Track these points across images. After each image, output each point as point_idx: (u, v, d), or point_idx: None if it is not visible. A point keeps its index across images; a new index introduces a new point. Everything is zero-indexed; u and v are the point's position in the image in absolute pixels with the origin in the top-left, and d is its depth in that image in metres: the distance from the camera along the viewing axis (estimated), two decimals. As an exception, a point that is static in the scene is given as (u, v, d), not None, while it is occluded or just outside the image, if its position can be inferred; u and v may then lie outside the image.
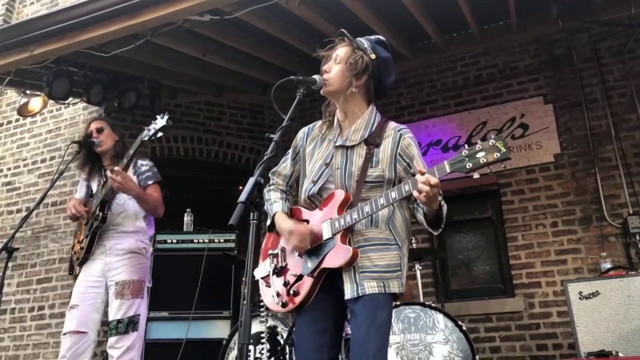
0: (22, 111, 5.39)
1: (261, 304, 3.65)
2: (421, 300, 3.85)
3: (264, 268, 2.23)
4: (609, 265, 4.30)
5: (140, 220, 3.35)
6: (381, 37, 2.28)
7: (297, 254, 2.12)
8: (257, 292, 2.64)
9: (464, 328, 3.51)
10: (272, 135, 1.96)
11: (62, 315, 3.66)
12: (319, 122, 2.32)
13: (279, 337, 3.70)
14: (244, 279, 2.91)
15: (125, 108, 5.19)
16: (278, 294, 2.11)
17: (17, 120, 6.19)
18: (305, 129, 2.36)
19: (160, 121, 3.06)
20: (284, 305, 2.08)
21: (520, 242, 4.88)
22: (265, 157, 1.87)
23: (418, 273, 4.06)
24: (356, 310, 1.97)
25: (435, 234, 2.08)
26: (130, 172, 3.30)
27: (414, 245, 4.22)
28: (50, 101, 5.18)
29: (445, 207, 2.00)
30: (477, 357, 3.44)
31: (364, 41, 2.21)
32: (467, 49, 5.50)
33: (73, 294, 3.22)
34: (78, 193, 3.53)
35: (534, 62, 5.25)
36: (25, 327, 5.33)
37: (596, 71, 4.97)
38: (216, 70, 5.31)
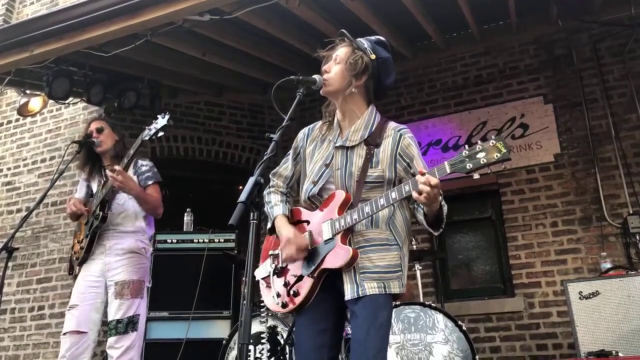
0: (22, 111, 5.39)
1: (262, 304, 3.65)
2: (421, 300, 3.85)
3: (264, 269, 2.23)
4: (609, 265, 4.31)
5: (140, 220, 3.35)
6: (381, 38, 2.28)
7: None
8: (257, 292, 2.64)
9: (464, 328, 3.51)
10: (272, 135, 1.96)
11: (62, 315, 3.66)
12: (319, 123, 2.32)
13: (279, 337, 3.70)
14: (244, 278, 2.90)
15: (125, 108, 5.19)
16: (278, 295, 2.11)
17: (17, 120, 6.19)
18: (305, 130, 2.36)
19: (161, 121, 3.06)
20: (284, 305, 2.08)
21: (520, 242, 4.88)
22: (265, 157, 1.87)
23: (418, 273, 4.06)
24: (356, 311, 1.97)
25: (436, 234, 2.08)
26: (130, 171, 3.30)
27: (414, 246, 4.22)
28: (50, 101, 5.18)
29: (445, 208, 1.99)
30: (477, 357, 3.44)
31: (364, 41, 2.21)
32: (467, 49, 5.50)
33: (73, 294, 3.22)
34: (78, 193, 3.53)
35: (534, 62, 5.25)
36: (25, 327, 5.33)
37: (596, 71, 4.97)
38: (216, 70, 5.31)
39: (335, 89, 2.16)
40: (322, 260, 2.03)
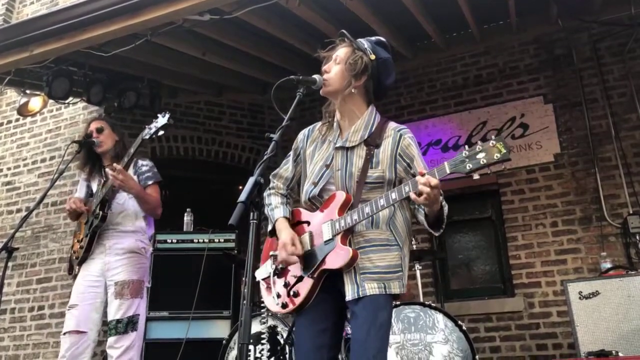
0: (22, 111, 5.39)
1: (262, 304, 3.65)
2: (421, 300, 3.85)
3: (265, 269, 2.23)
4: (609, 265, 4.31)
5: (140, 220, 3.35)
6: (381, 38, 2.28)
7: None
8: (257, 292, 2.64)
9: (463, 328, 3.51)
10: (272, 135, 1.96)
11: (62, 315, 3.66)
12: (319, 124, 2.32)
13: (279, 337, 3.70)
14: (244, 278, 2.91)
15: (125, 108, 5.19)
16: (279, 295, 2.11)
17: (17, 120, 6.19)
18: (305, 131, 2.36)
19: (162, 120, 3.06)
20: (284, 306, 2.08)
21: (520, 242, 4.88)
22: (265, 157, 1.87)
23: (418, 273, 4.06)
24: (356, 311, 1.97)
25: (437, 234, 2.08)
26: (130, 171, 3.30)
27: (414, 246, 4.22)
28: (50, 101, 5.18)
29: (446, 208, 1.99)
30: (477, 356, 3.44)
31: (364, 42, 2.21)
32: (467, 49, 5.50)
33: (72, 294, 3.23)
34: (78, 192, 3.53)
35: (534, 62, 5.25)
36: (25, 327, 5.33)
37: (596, 71, 4.97)
38: (216, 69, 5.31)
39: (335, 89, 2.16)
40: (322, 260, 2.03)
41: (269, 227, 2.25)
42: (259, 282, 2.24)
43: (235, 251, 4.48)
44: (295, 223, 2.21)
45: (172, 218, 4.54)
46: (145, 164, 3.43)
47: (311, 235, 2.11)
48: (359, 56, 2.14)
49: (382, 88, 2.20)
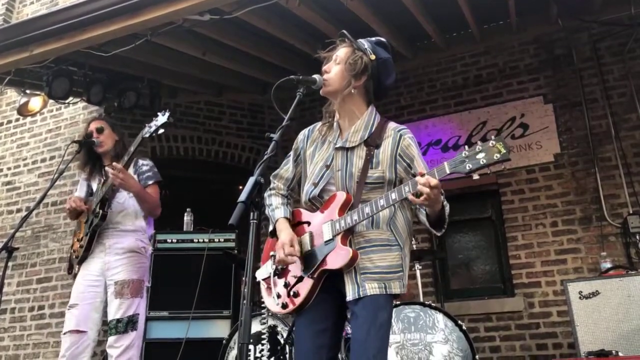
0: (22, 111, 5.39)
1: (262, 304, 3.65)
2: (421, 299, 3.85)
3: (265, 270, 2.23)
4: (609, 265, 4.31)
5: (140, 219, 3.35)
6: (382, 39, 2.28)
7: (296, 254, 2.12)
8: (257, 291, 2.64)
9: (463, 327, 3.51)
10: (272, 135, 1.96)
11: (62, 314, 3.66)
12: (319, 124, 2.32)
13: (279, 337, 3.70)
14: (244, 278, 2.90)
15: (125, 108, 5.19)
16: (279, 295, 2.11)
17: (17, 119, 6.19)
18: (305, 131, 2.36)
19: (162, 118, 3.06)
20: (284, 306, 2.08)
21: (520, 241, 4.89)
22: (265, 157, 1.87)
23: (418, 273, 4.06)
24: (357, 311, 1.97)
25: (439, 234, 2.08)
26: (130, 170, 3.30)
27: (414, 246, 4.22)
28: (50, 101, 5.18)
29: (447, 207, 1.99)
30: (477, 356, 3.44)
31: (364, 42, 2.21)
32: (467, 49, 5.50)
33: (72, 293, 3.23)
34: (78, 192, 3.53)
35: (534, 62, 5.25)
36: (25, 327, 5.33)
37: (596, 71, 4.97)
38: (216, 69, 5.31)
39: (335, 89, 2.16)
40: (323, 261, 2.03)
41: (270, 228, 2.25)
42: (259, 282, 2.24)
43: (236, 251, 4.48)
44: (296, 223, 2.21)
45: (172, 218, 4.54)
46: (145, 164, 3.43)
47: (311, 235, 2.11)
48: (359, 56, 2.14)
49: (382, 88, 2.20)
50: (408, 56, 5.43)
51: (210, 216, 4.61)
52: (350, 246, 2.01)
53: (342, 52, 2.19)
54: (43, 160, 5.92)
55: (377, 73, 2.16)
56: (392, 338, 3.46)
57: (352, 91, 2.14)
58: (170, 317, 4.34)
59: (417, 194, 1.84)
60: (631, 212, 4.54)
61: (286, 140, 2.51)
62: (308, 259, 2.08)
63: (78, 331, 3.10)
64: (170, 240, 4.53)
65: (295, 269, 2.11)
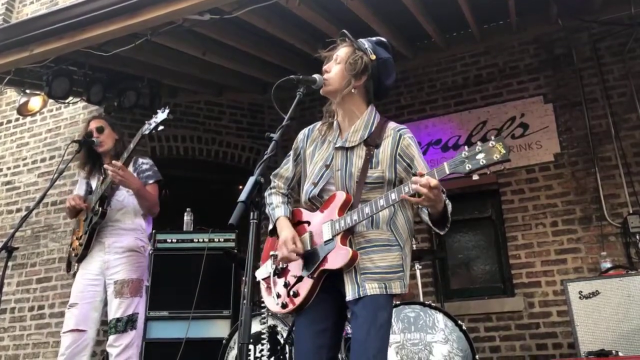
0: (22, 110, 5.39)
1: (262, 303, 3.65)
2: (421, 299, 3.85)
3: (265, 269, 2.23)
4: (609, 265, 4.31)
5: (140, 218, 3.35)
6: (382, 38, 2.28)
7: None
8: (257, 291, 2.64)
9: (463, 327, 3.51)
10: (272, 135, 1.96)
11: (62, 314, 3.66)
12: (319, 123, 2.32)
13: (279, 337, 3.70)
14: (244, 278, 2.90)
15: (125, 107, 5.19)
16: (279, 295, 2.11)
17: (17, 119, 6.19)
18: (305, 131, 2.36)
19: (161, 115, 3.07)
20: (284, 306, 2.08)
21: (520, 241, 4.88)
22: (265, 157, 1.87)
23: (418, 272, 4.06)
24: (357, 311, 1.97)
25: (442, 233, 2.07)
26: (130, 168, 3.29)
27: (414, 246, 4.22)
28: (50, 100, 5.18)
29: (450, 206, 1.99)
30: (477, 356, 3.44)
31: (365, 42, 2.21)
32: (467, 49, 5.50)
33: (72, 293, 3.23)
34: (77, 190, 3.53)
35: (534, 62, 5.25)
36: (25, 327, 5.33)
37: (596, 70, 4.97)
38: (216, 69, 5.31)
39: (335, 88, 2.16)
40: (322, 261, 2.03)
41: (270, 227, 2.25)
42: (259, 281, 2.24)
43: (236, 250, 4.48)
44: (296, 223, 2.20)
45: (172, 218, 4.54)
46: (145, 162, 3.43)
47: (311, 235, 2.11)
48: (359, 56, 2.14)
49: (382, 88, 2.20)
50: (408, 56, 5.43)
51: (210, 216, 4.60)
52: (350, 246, 2.01)
53: (342, 51, 2.19)
54: (43, 160, 5.92)
55: (378, 73, 2.16)
56: (392, 338, 3.46)
57: (352, 91, 2.14)
58: (170, 317, 4.33)
59: (417, 195, 1.84)
60: (631, 212, 4.54)
61: (286, 140, 2.51)
62: (308, 258, 2.08)
63: (78, 330, 3.10)
64: (170, 240, 4.52)
65: (295, 269, 2.11)
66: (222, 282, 4.43)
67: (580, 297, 3.66)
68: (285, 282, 2.12)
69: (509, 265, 4.92)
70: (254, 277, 2.05)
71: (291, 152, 2.36)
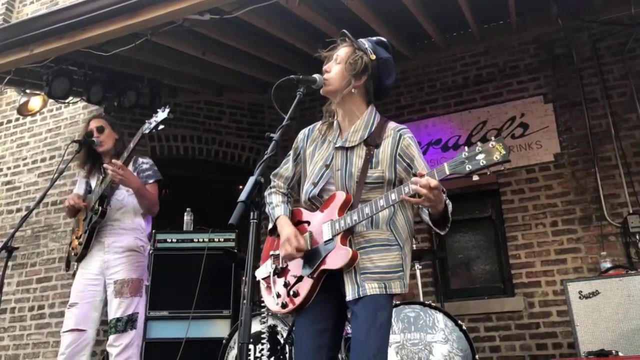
0: (22, 110, 5.39)
1: (262, 303, 3.65)
2: (421, 299, 3.85)
3: (264, 269, 2.23)
4: (608, 265, 4.31)
5: (139, 217, 3.35)
6: (382, 38, 2.28)
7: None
8: (257, 291, 2.64)
9: (463, 327, 3.51)
10: (272, 135, 1.96)
11: (62, 314, 3.67)
12: (319, 123, 2.32)
13: (279, 337, 3.70)
14: (244, 278, 2.90)
15: (125, 107, 5.19)
16: (278, 295, 2.11)
17: (17, 119, 6.19)
18: (305, 131, 2.36)
19: (161, 114, 3.07)
20: (284, 306, 2.08)
21: (520, 241, 4.89)
22: (265, 157, 1.87)
23: (418, 272, 4.06)
24: (357, 311, 1.97)
25: (442, 233, 2.07)
26: (129, 168, 3.29)
27: (414, 246, 4.22)
28: (50, 100, 5.18)
29: (450, 206, 1.99)
30: (476, 356, 3.44)
31: (365, 42, 2.21)
32: (467, 49, 5.50)
33: (72, 292, 3.23)
34: (77, 189, 3.52)
35: (534, 62, 5.25)
36: (25, 327, 5.33)
37: (596, 70, 4.97)
38: (216, 69, 5.31)
39: (335, 88, 2.16)
40: (322, 261, 2.03)
41: (270, 226, 2.25)
42: (259, 281, 2.24)
43: (236, 250, 4.48)
44: (296, 223, 2.20)
45: (172, 217, 4.54)
46: (145, 162, 3.43)
47: (311, 235, 2.11)
48: (359, 56, 2.14)
49: (382, 88, 2.20)
50: (408, 56, 5.43)
51: (210, 216, 4.61)
52: (350, 246, 2.01)
53: (342, 51, 2.19)
54: (43, 160, 5.92)
55: (378, 73, 2.16)
56: (392, 338, 3.46)
57: (353, 91, 2.14)
58: (170, 316, 4.34)
59: (417, 195, 1.84)
60: (631, 211, 4.54)
61: (286, 139, 2.51)
62: (308, 258, 2.08)
63: (77, 330, 3.10)
64: (170, 240, 4.53)
65: (295, 269, 2.11)
66: (222, 282, 4.43)
67: (580, 297, 3.66)
68: (285, 282, 2.12)
69: (509, 265, 4.92)
70: (254, 277, 2.05)
71: (291, 152, 2.36)
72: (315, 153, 2.24)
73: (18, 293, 5.47)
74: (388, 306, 2.01)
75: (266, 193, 2.30)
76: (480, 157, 1.78)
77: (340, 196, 2.07)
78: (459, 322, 3.53)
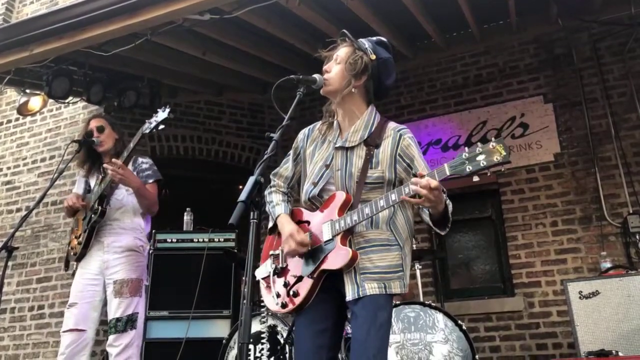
0: (22, 110, 5.39)
1: (262, 303, 3.65)
2: (421, 299, 3.85)
3: (264, 269, 2.23)
4: (608, 265, 4.31)
5: (139, 217, 3.35)
6: (382, 38, 2.28)
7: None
8: (257, 291, 2.64)
9: (463, 327, 3.51)
10: (272, 135, 1.96)
11: (62, 314, 3.67)
12: (319, 123, 2.32)
13: (278, 337, 3.70)
14: (244, 278, 2.90)
15: (125, 107, 5.19)
16: (278, 295, 2.11)
17: (17, 119, 6.19)
18: (305, 131, 2.36)
19: (162, 114, 3.06)
20: (283, 305, 2.08)
21: (520, 241, 4.88)
22: (265, 156, 1.87)
23: (418, 272, 4.06)
24: (356, 311, 1.97)
25: (443, 233, 2.07)
26: (129, 168, 3.29)
27: (414, 246, 4.22)
28: (50, 100, 5.18)
29: (450, 206, 1.99)
30: (476, 356, 3.44)
31: (365, 42, 2.21)
32: (467, 49, 5.50)
33: (71, 292, 3.23)
34: (76, 189, 3.51)
35: (534, 62, 5.25)
36: (25, 327, 5.33)
37: (596, 70, 4.97)
38: (216, 69, 5.31)
39: (335, 88, 2.15)
40: (322, 261, 2.03)
41: (270, 224, 2.25)
42: (258, 281, 2.24)
43: (236, 250, 4.48)
44: (296, 222, 2.20)
45: (172, 217, 4.54)
46: (145, 162, 3.43)
47: (311, 235, 2.11)
48: (359, 56, 2.14)
49: (382, 88, 2.20)
50: (408, 56, 5.43)
51: (210, 216, 4.61)
52: (350, 246, 2.01)
53: (342, 51, 2.19)
54: (43, 160, 5.92)
55: (378, 73, 2.16)
56: (392, 338, 3.46)
57: (353, 91, 2.14)
58: (170, 316, 4.34)
59: (417, 196, 1.84)
60: (631, 211, 4.54)
61: (286, 139, 2.51)
62: (308, 258, 2.08)
63: (77, 330, 3.10)
64: (170, 240, 4.53)
65: (295, 269, 2.11)
66: (222, 282, 4.43)
67: (580, 297, 3.66)
68: (284, 282, 2.11)
69: (509, 265, 4.92)
70: (254, 277, 2.05)
71: (291, 152, 2.36)
72: (315, 153, 2.24)
73: (18, 293, 5.47)
74: (388, 306, 2.01)
75: (266, 192, 2.30)
76: (481, 158, 1.78)
77: (340, 196, 2.07)
78: (459, 322, 3.53)
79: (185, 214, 4.83)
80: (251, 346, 3.61)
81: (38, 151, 6.00)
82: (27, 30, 4.10)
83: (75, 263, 3.31)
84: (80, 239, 3.26)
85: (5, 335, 5.41)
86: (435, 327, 3.51)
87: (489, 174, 1.80)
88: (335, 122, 2.24)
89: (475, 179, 1.81)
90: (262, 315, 3.71)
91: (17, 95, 5.72)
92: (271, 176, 2.38)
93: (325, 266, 2.01)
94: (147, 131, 3.06)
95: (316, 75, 2.15)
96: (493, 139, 1.81)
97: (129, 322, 3.11)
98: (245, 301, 1.64)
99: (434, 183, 1.81)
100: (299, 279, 2.07)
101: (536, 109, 5.10)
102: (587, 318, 3.61)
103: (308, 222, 2.15)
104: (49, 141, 5.97)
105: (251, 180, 1.76)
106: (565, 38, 5.13)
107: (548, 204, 4.86)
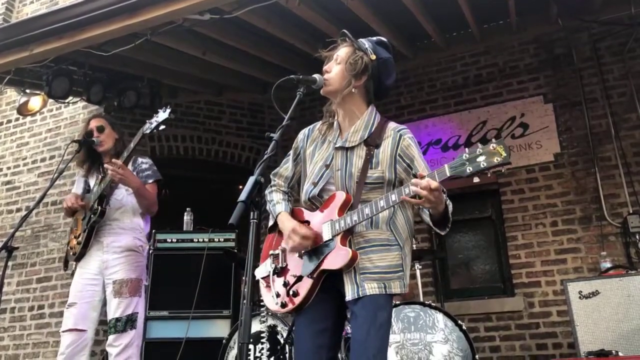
0: (22, 110, 5.38)
1: (261, 303, 3.65)
2: (421, 299, 3.85)
3: (264, 268, 2.23)
4: (608, 265, 4.31)
5: (138, 217, 3.35)
6: (382, 38, 2.28)
7: (297, 254, 2.11)
8: (257, 291, 2.64)
9: (463, 327, 3.51)
10: (272, 135, 1.96)
11: (62, 314, 3.67)
12: (319, 123, 2.32)
13: (278, 336, 3.70)
14: (244, 278, 2.91)
15: (125, 107, 5.19)
16: (278, 295, 2.11)
17: (17, 119, 6.19)
18: (305, 131, 2.36)
19: (162, 114, 3.06)
20: (283, 305, 2.08)
21: (520, 241, 4.88)
22: (265, 156, 1.87)
23: (418, 272, 4.06)
24: (356, 311, 1.97)
25: (443, 234, 2.07)
26: (129, 168, 3.29)
27: (414, 246, 4.22)
28: (50, 100, 5.18)
29: (450, 206, 1.99)
30: (476, 356, 3.44)
31: (365, 42, 2.21)
32: (467, 48, 5.50)
33: (71, 292, 3.23)
34: (75, 188, 3.51)
35: (534, 62, 5.25)
36: (25, 327, 5.33)
37: (596, 70, 4.97)
38: (216, 69, 5.31)
39: (335, 88, 2.15)
40: (322, 261, 2.03)
41: (270, 222, 2.25)
42: (258, 281, 2.24)
43: (236, 250, 4.48)
44: (296, 222, 2.20)
45: (172, 218, 4.54)
46: (145, 162, 3.43)
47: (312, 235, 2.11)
48: (360, 56, 2.14)
49: (382, 88, 2.20)
50: (408, 56, 5.43)
51: (210, 216, 4.61)
52: (350, 246, 2.01)
53: (342, 51, 2.19)
54: (43, 160, 5.92)
55: (378, 73, 2.16)
56: (392, 338, 3.46)
57: (353, 91, 2.14)
58: (170, 316, 4.34)
59: (417, 196, 1.84)
60: (631, 211, 4.54)
61: (286, 139, 2.51)
62: (307, 258, 2.08)
63: (77, 330, 3.10)
64: (170, 240, 4.53)
65: (295, 268, 2.11)
66: (222, 282, 4.43)
67: (580, 297, 3.66)
68: (284, 282, 2.11)
69: (509, 265, 4.92)
70: (254, 277, 2.05)
71: (291, 152, 2.36)
72: (315, 153, 2.24)
73: (18, 293, 5.47)
74: (388, 306, 2.01)
75: (267, 191, 2.30)
76: (481, 159, 1.78)
77: (340, 196, 2.07)
78: (459, 322, 3.53)
79: (185, 214, 4.83)
80: (251, 346, 3.61)
81: (38, 151, 6.00)
82: (27, 30, 4.10)
83: (74, 263, 3.31)
84: (80, 239, 3.26)
85: (5, 335, 5.41)
86: (435, 327, 3.51)
87: (489, 175, 1.80)
88: (335, 122, 2.24)
89: (476, 180, 1.80)
90: (262, 315, 3.71)
91: (17, 95, 5.72)
92: (271, 176, 2.38)
93: (325, 266, 2.01)
94: (148, 131, 3.06)
95: (316, 75, 2.15)
96: (493, 139, 1.81)
97: (128, 322, 3.11)
98: (245, 301, 1.64)
99: (434, 184, 1.81)
100: (299, 278, 2.07)
101: (536, 109, 5.10)
102: (587, 318, 3.61)
103: (308, 222, 2.15)
104: (49, 141, 5.98)
105: (251, 180, 1.76)
106: (565, 38, 5.13)
107: (548, 204, 4.86)
